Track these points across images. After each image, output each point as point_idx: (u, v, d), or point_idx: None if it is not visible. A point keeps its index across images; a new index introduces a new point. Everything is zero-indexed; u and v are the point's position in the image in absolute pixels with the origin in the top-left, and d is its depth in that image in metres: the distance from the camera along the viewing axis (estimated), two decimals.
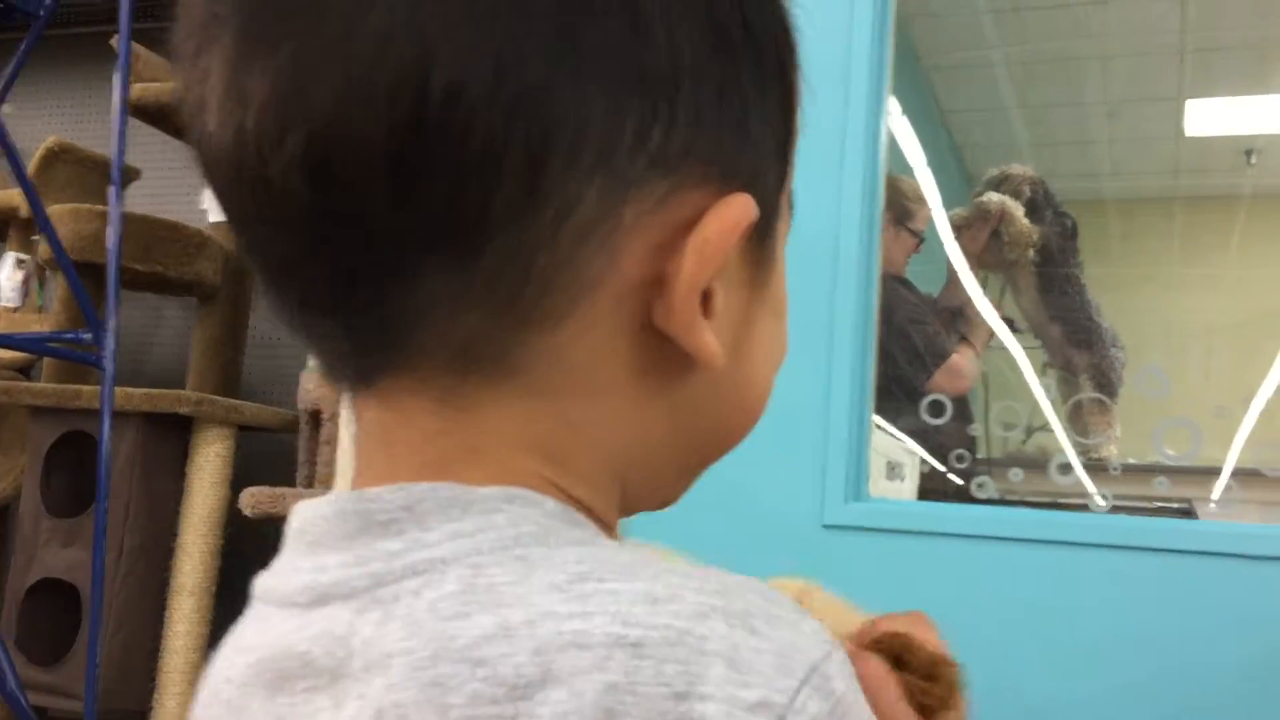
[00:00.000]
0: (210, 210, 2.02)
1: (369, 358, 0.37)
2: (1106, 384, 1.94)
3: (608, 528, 0.39)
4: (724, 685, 0.31)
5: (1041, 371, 2.16)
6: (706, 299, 0.37)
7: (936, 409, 1.75)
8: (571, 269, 0.35)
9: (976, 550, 1.49)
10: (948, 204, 2.27)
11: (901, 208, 2.02)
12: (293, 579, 0.37)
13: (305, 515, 0.38)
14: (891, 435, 1.87)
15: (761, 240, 0.40)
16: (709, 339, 0.37)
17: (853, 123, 1.61)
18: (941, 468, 1.84)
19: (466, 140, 0.33)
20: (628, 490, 0.41)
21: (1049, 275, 2.01)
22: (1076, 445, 1.88)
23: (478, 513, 0.35)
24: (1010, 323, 2.15)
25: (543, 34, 0.33)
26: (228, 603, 1.78)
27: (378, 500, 0.36)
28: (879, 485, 1.74)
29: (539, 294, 0.35)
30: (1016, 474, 1.72)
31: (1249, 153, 3.35)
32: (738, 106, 0.38)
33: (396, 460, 0.38)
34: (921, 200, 2.09)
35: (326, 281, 0.36)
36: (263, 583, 0.39)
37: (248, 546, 1.82)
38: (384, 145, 0.33)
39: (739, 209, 0.37)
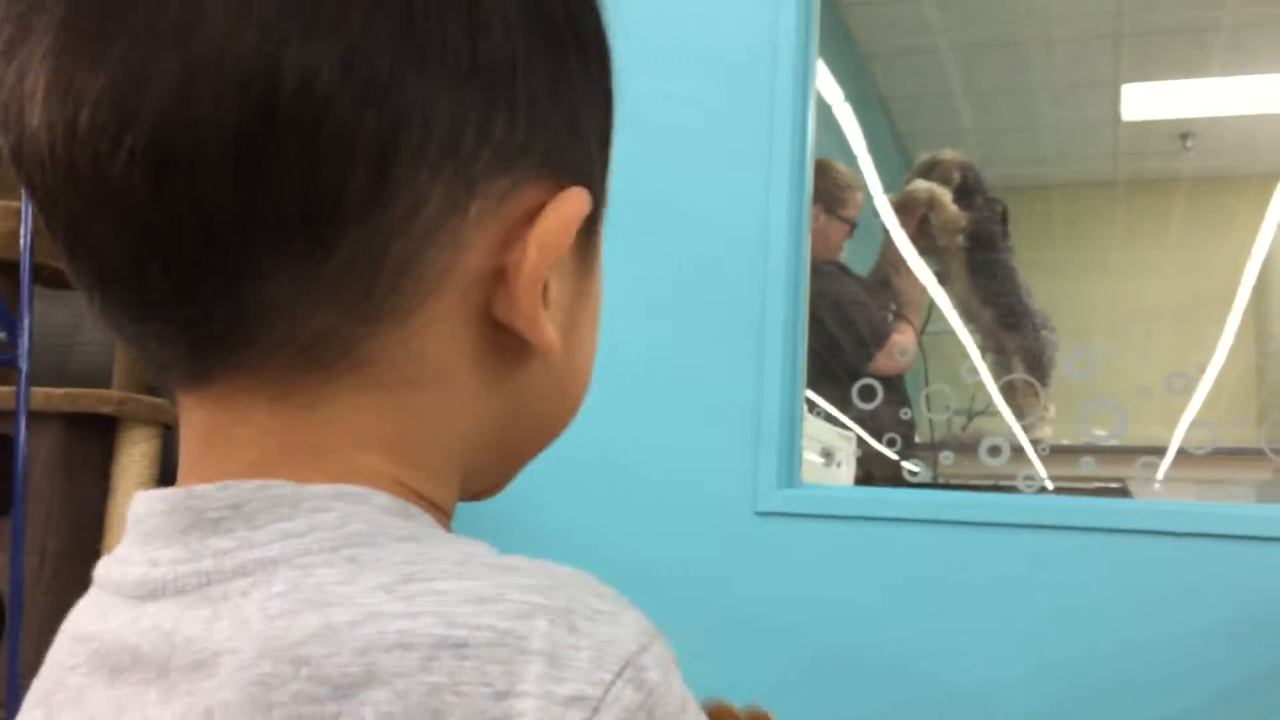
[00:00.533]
0: None
1: (207, 357, 0.37)
2: (1038, 366, 1.96)
3: (445, 515, 0.40)
4: (540, 681, 0.32)
5: (982, 356, 2.17)
6: (543, 289, 0.38)
7: (867, 394, 1.75)
8: (422, 263, 0.36)
9: (910, 534, 1.49)
10: (889, 191, 2.27)
11: (832, 195, 2.02)
12: (130, 570, 0.37)
13: (142, 506, 0.38)
14: (836, 420, 1.88)
15: (589, 233, 0.41)
16: (549, 329, 0.38)
17: (779, 111, 1.61)
18: (890, 452, 1.84)
19: (319, 129, 0.33)
20: (465, 477, 0.41)
21: (979, 260, 2.02)
22: (1025, 429, 1.89)
23: (307, 511, 0.35)
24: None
25: (387, 28, 0.34)
26: None
27: (205, 498, 0.36)
28: (815, 472, 1.74)
29: (390, 288, 0.36)
30: (947, 457, 1.73)
31: (1184, 136, 3.38)
32: (569, 102, 0.39)
33: (227, 460, 0.37)
34: (854, 186, 2.09)
35: (167, 280, 0.35)
36: (104, 569, 0.39)
37: None
38: (234, 136, 0.33)
39: (576, 202, 0.38)
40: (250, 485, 0.36)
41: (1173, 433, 1.73)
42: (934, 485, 1.76)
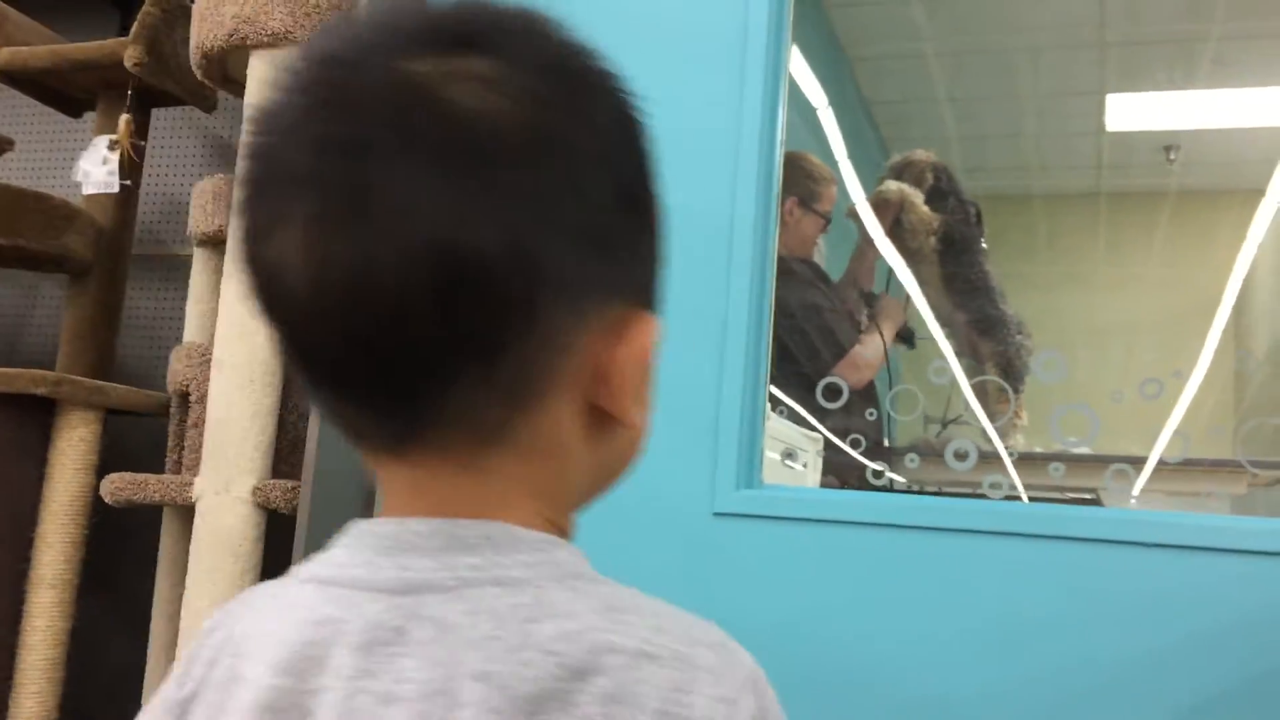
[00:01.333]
0: (84, 182, 1.91)
1: (404, 438, 0.52)
2: (1012, 371, 1.91)
3: (568, 536, 0.57)
4: (706, 686, 0.49)
5: (958, 359, 2.12)
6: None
7: (832, 393, 1.70)
8: (554, 369, 0.52)
9: (873, 538, 1.44)
10: (869, 193, 2.22)
11: (806, 189, 1.97)
12: (376, 573, 0.51)
13: (391, 528, 0.52)
14: (801, 420, 1.83)
15: None
16: (637, 415, 0.55)
17: (749, 100, 1.56)
18: (855, 454, 1.79)
19: (489, 288, 0.48)
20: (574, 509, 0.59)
21: (953, 263, 1.97)
22: (1000, 436, 1.84)
23: (533, 550, 0.52)
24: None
25: (530, 216, 0.48)
26: (90, 595, 1.68)
27: (466, 528, 0.52)
28: (779, 473, 1.69)
29: (534, 388, 0.52)
30: (913, 460, 1.67)
31: (1169, 149, 3.35)
32: (643, 250, 0.56)
33: (434, 507, 0.53)
34: (828, 179, 2.04)
35: (384, 386, 0.50)
36: (320, 570, 0.53)
37: (113, 535, 1.72)
38: (432, 293, 0.47)
39: (653, 329, 0.55)
40: (495, 525, 0.52)
41: (1150, 444, 1.69)
42: (897, 489, 1.71)
